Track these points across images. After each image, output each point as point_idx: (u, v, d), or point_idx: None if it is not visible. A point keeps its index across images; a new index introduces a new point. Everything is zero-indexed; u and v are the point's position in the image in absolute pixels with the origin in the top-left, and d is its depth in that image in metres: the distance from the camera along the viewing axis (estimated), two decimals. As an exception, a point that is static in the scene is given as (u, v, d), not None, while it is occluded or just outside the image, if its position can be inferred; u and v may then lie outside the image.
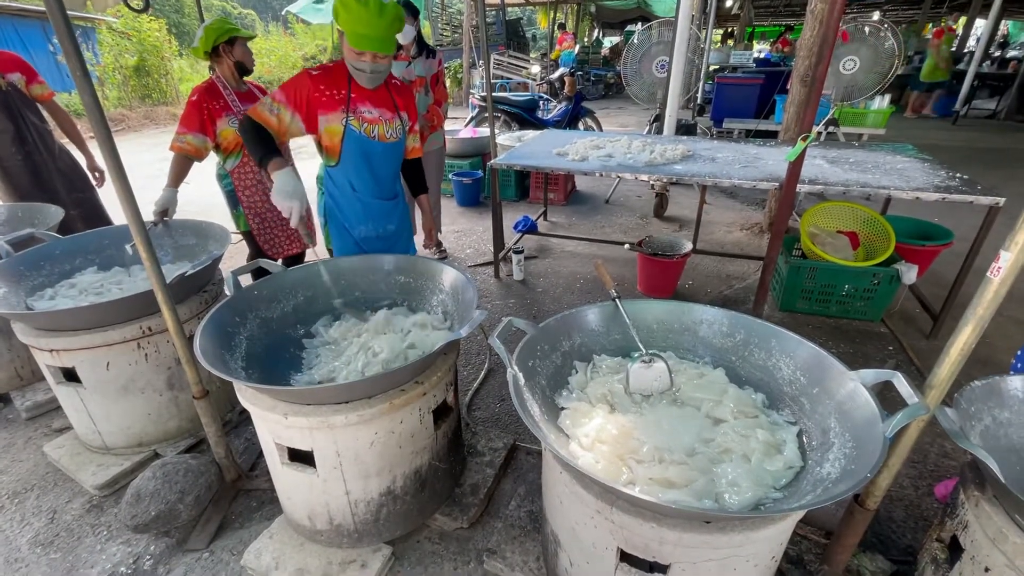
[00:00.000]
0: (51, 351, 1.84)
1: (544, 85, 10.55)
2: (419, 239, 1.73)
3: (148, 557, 1.73)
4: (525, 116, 6.73)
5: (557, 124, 6.96)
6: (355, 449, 1.47)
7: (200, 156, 2.51)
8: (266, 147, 1.74)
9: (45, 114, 2.95)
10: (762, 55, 12.22)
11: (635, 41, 5.54)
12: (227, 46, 2.46)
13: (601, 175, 3.14)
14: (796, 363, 1.42)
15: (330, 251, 2.27)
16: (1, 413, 2.43)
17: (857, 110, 5.98)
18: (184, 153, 2.43)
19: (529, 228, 4.31)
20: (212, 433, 1.84)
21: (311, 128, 1.86)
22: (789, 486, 1.19)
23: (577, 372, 1.56)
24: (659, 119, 5.31)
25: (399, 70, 3.56)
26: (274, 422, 1.44)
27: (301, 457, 1.53)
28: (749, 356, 1.54)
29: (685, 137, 4.23)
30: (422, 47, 3.61)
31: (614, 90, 14.73)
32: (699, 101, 7.95)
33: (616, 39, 18.76)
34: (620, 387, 1.48)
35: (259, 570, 1.62)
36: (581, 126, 7.29)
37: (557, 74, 9.74)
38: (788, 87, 6.64)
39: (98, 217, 3.07)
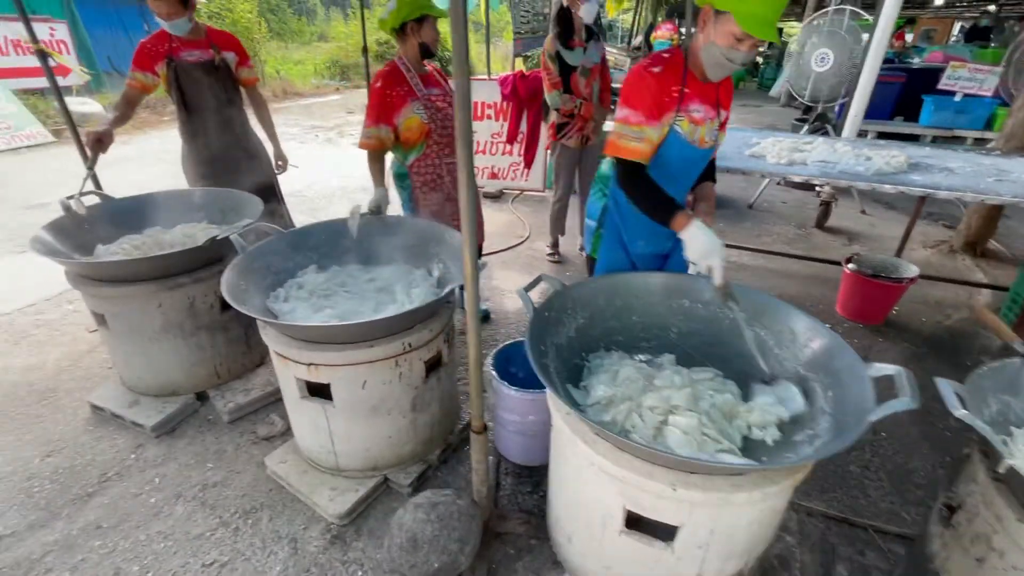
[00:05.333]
0: (309, 365, 1.63)
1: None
2: None
3: (419, 611, 1.51)
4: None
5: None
6: (732, 528, 1.18)
7: (386, 148, 2.30)
8: (665, 206, 1.49)
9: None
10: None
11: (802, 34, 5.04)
12: (416, 24, 2.20)
13: (820, 184, 2.75)
14: None
15: (590, 259, 1.99)
16: (200, 413, 2.29)
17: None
18: (372, 149, 2.24)
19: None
20: (480, 471, 1.60)
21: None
22: None
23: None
24: (822, 118, 4.83)
25: (577, 59, 3.26)
26: (633, 484, 1.17)
27: (640, 524, 1.26)
28: None
29: (882, 141, 3.77)
30: (590, 32, 3.31)
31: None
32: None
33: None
34: None
35: (564, 648, 1.37)
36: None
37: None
38: (937, 87, 6.22)
39: (275, 202, 2.94)
